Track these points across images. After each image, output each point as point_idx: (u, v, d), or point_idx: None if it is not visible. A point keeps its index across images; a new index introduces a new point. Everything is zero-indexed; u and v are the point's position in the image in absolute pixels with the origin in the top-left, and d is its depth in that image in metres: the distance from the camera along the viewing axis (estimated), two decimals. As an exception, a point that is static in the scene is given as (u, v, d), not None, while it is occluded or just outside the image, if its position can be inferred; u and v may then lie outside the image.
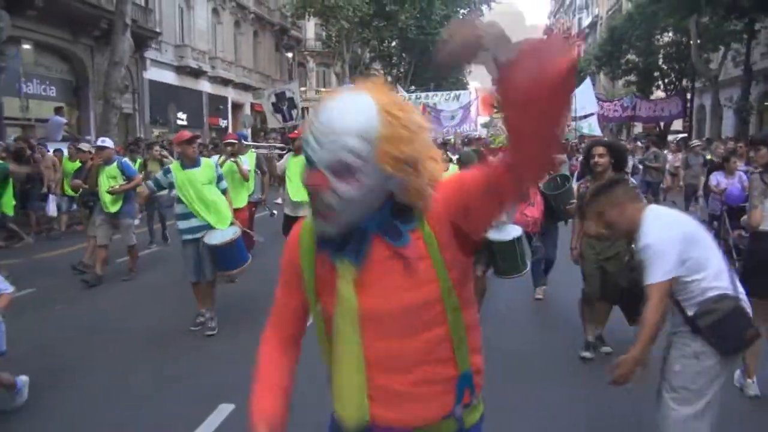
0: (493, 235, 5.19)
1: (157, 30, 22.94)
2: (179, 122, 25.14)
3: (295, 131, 8.22)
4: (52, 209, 10.82)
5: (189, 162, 5.52)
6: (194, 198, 5.37)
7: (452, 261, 1.33)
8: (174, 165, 5.67)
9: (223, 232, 5.33)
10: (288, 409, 1.46)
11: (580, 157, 12.73)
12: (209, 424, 3.63)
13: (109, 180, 7.27)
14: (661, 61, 28.04)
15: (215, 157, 7.81)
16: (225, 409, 3.76)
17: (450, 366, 1.37)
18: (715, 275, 2.42)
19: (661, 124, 26.76)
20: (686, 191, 12.12)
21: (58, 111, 15.70)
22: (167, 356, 4.85)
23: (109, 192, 7.15)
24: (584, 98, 20.15)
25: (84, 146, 8.59)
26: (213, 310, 5.52)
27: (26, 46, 17.17)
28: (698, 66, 22.23)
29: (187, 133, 5.80)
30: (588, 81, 22.06)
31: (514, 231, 5.44)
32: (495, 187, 1.24)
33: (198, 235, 5.34)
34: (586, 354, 4.78)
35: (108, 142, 7.62)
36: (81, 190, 8.01)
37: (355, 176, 1.24)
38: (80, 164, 8.40)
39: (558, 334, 5.37)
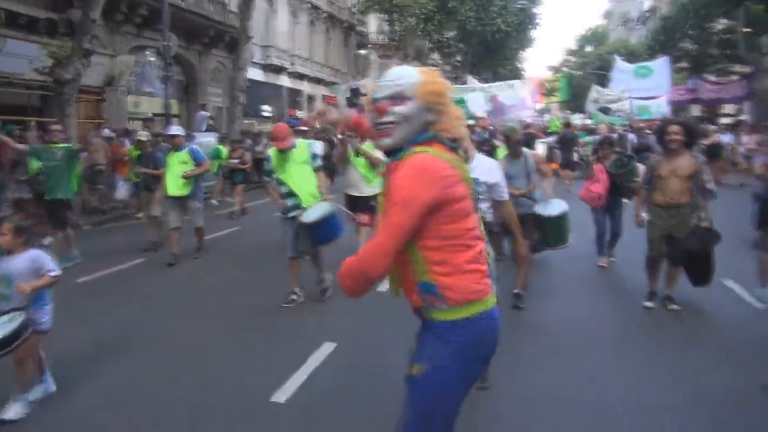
0: (544, 210, 5.63)
1: (250, 34, 26.11)
2: (265, 114, 28.53)
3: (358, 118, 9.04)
4: (121, 193, 11.29)
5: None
6: (288, 177, 5.66)
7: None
8: (272, 149, 5.91)
9: (317, 208, 5.46)
10: None
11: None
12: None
13: (180, 165, 7.63)
14: (714, 48, 29.04)
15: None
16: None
17: (412, 275, 1.97)
18: None
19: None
20: None
21: (203, 107, 18.86)
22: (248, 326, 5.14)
23: (183, 176, 7.56)
24: (661, 77, 20.34)
25: (142, 135, 9.15)
26: (324, 273, 5.88)
27: (148, 52, 20.74)
28: (745, 54, 23.56)
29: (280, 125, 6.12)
30: (666, 60, 21.99)
31: (561, 206, 5.78)
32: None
33: (294, 213, 5.60)
34: (649, 304, 5.28)
35: (179, 130, 8.09)
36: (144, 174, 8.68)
37: (404, 101, 1.93)
38: (139, 152, 9.18)
39: (623, 295, 5.87)
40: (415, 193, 1.83)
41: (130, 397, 3.80)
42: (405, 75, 1.98)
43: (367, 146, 6.74)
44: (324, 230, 5.31)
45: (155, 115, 20.48)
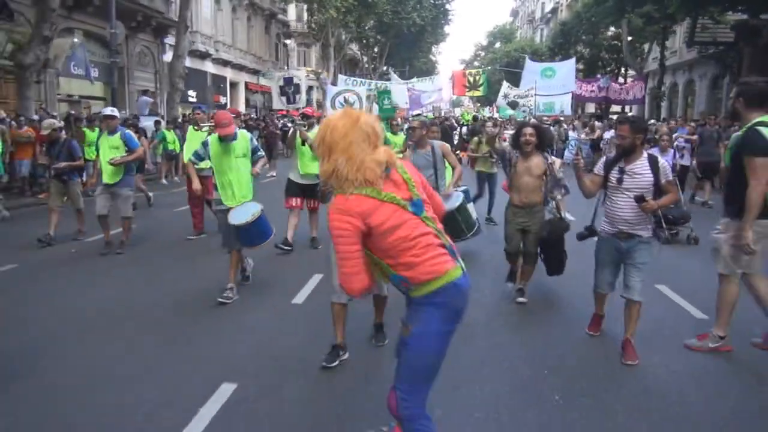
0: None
1: (175, 19, 26.42)
2: (190, 99, 28.89)
3: (309, 108, 8.88)
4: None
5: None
6: (223, 170, 5.45)
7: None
8: (212, 137, 5.58)
9: (245, 209, 5.34)
10: None
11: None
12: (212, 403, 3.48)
13: (111, 150, 7.21)
14: (604, 53, 32.82)
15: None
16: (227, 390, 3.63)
17: (386, 272, 2.48)
18: None
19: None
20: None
21: (145, 92, 19.20)
22: (170, 331, 4.71)
23: (110, 163, 7.11)
24: (566, 77, 22.26)
25: (46, 126, 7.96)
26: (248, 266, 5.95)
27: (76, 38, 20.73)
28: (628, 59, 27.14)
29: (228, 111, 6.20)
30: (572, 61, 24.07)
31: (457, 198, 5.77)
32: None
33: (224, 207, 5.46)
34: (521, 299, 5.38)
35: (116, 112, 7.65)
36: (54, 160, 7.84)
37: None
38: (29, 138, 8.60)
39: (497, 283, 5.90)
40: (343, 227, 2.34)
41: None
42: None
43: (312, 134, 7.18)
44: (251, 233, 5.30)
45: (82, 97, 20.69)
